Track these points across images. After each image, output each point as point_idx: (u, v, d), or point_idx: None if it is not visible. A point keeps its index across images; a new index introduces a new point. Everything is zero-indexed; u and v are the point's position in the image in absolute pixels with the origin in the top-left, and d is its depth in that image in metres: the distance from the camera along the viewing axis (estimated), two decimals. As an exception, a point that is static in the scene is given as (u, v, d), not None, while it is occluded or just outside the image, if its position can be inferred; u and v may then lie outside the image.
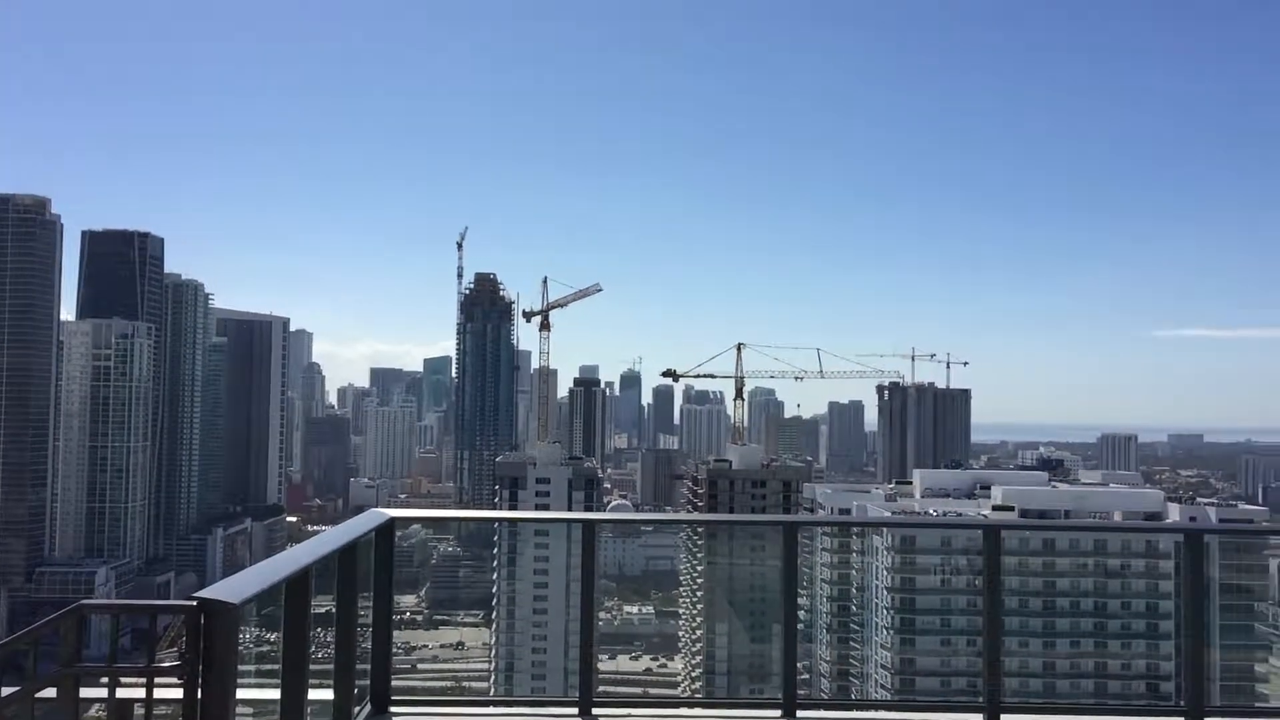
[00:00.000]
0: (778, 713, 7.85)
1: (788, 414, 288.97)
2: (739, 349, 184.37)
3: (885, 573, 71.41)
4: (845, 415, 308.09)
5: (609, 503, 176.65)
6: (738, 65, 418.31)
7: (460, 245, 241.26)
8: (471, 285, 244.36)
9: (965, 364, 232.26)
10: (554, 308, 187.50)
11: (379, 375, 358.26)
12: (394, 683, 8.21)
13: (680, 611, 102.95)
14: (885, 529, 68.69)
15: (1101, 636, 71.41)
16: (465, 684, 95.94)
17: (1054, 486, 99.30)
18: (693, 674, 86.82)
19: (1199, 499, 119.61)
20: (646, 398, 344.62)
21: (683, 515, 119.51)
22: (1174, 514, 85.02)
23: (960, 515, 77.56)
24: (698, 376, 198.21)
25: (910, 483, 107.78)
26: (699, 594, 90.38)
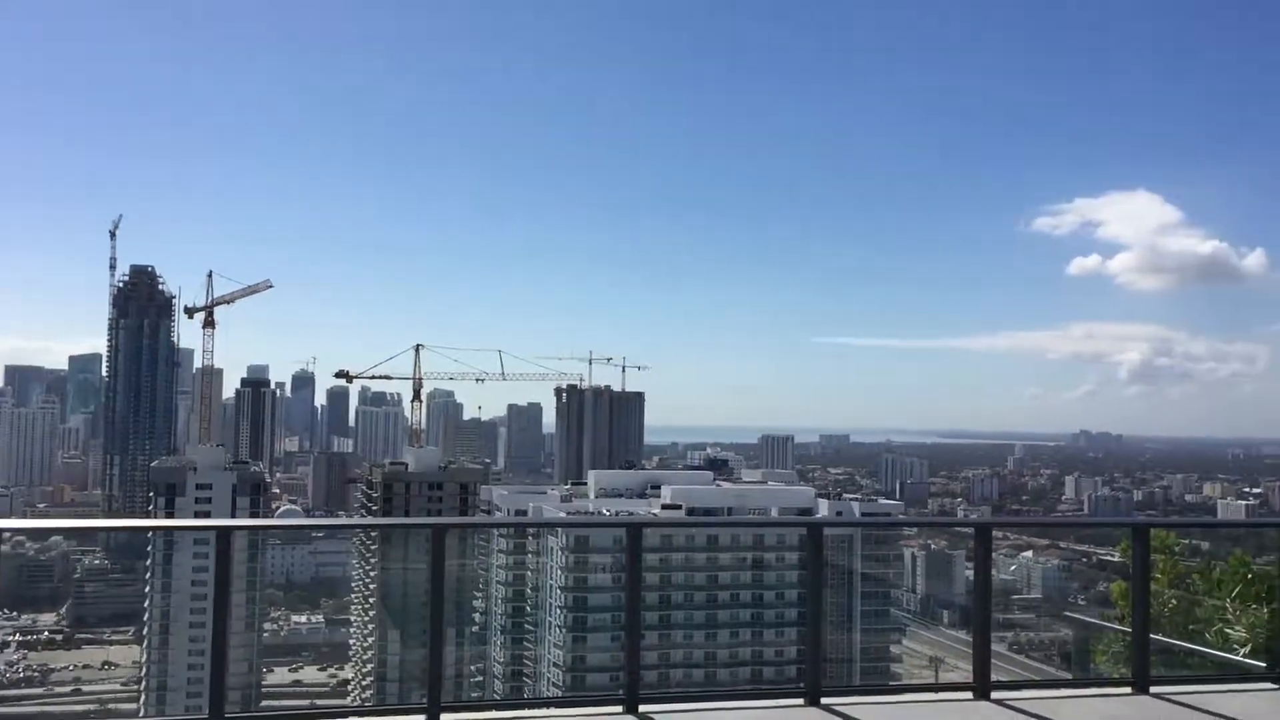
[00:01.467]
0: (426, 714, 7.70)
1: (467, 416, 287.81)
2: (417, 350, 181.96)
3: (560, 572, 72.63)
4: (524, 417, 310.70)
5: (278, 508, 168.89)
6: (421, 63, 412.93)
7: (114, 235, 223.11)
8: (126, 278, 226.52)
9: (640, 368, 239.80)
10: (220, 304, 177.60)
11: (14, 373, 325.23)
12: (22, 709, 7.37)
13: (352, 619, 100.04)
14: (561, 530, 69.95)
15: (757, 626, 75.96)
16: (111, 706, 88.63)
17: (718, 485, 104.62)
18: (364, 682, 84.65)
19: (845, 495, 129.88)
20: (320, 399, 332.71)
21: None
22: (823, 509, 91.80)
23: (632, 514, 79.96)
24: (373, 378, 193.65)
25: (585, 483, 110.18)
26: (371, 600, 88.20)
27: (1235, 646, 9.44)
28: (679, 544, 72.97)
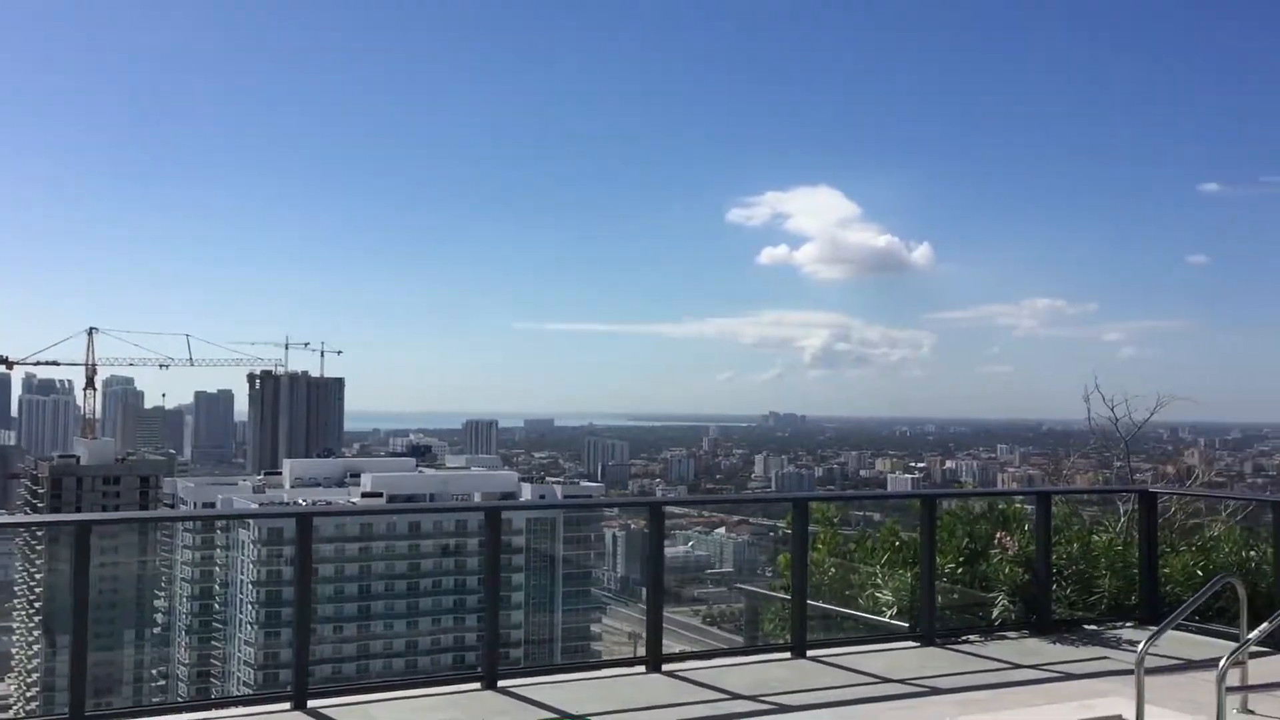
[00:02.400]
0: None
1: (149, 404, 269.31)
2: (90, 334, 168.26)
3: (251, 566, 69.42)
4: (214, 405, 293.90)
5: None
6: (131, 32, 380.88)
7: None
8: None
9: (339, 353, 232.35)
10: None
11: None
12: None
13: (15, 627, 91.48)
14: (252, 521, 66.76)
15: (457, 612, 75.59)
16: None
17: (420, 471, 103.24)
18: (28, 694, 77.58)
19: (549, 478, 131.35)
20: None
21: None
22: (526, 492, 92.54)
23: (330, 504, 77.48)
24: (39, 364, 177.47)
25: (280, 473, 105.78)
26: (37, 605, 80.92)
27: (884, 609, 10.21)
28: (379, 532, 71.47)
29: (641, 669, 8.67)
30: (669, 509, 10.42)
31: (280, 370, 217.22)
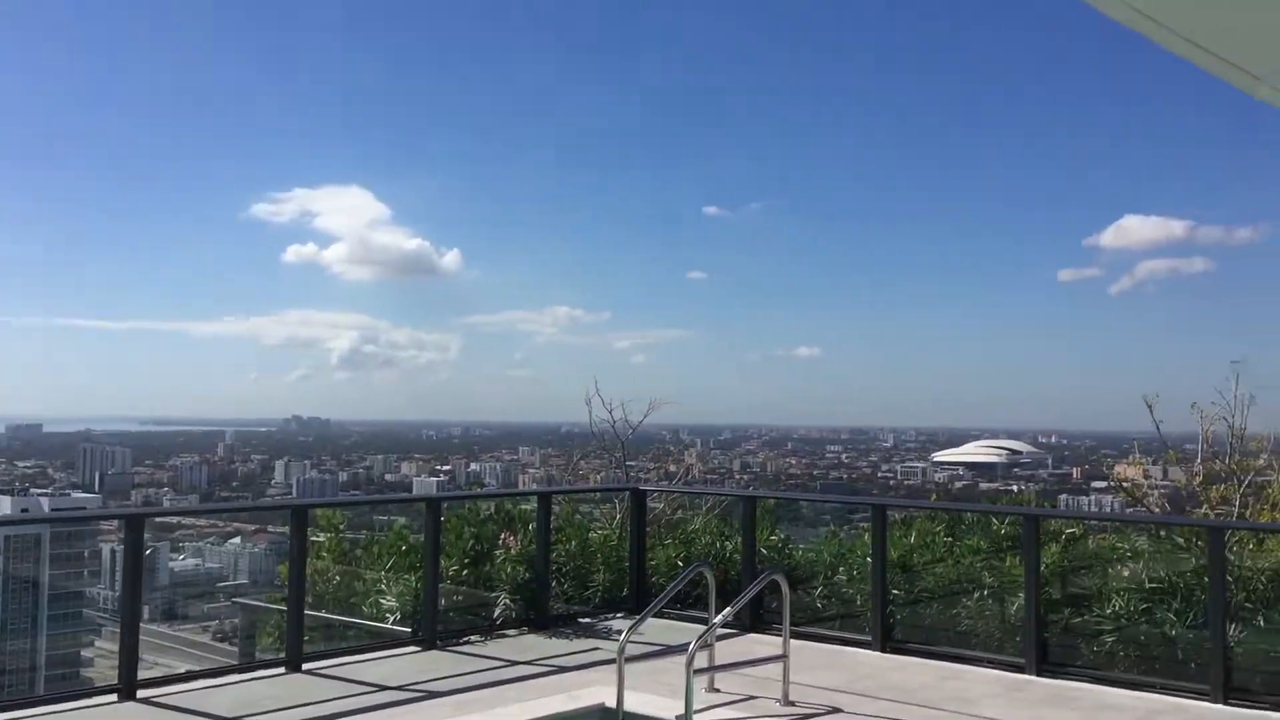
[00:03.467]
0: None
1: None
2: None
3: None
4: None
5: None
6: None
7: None
8: None
9: None
10: None
11: None
12: None
13: None
14: None
15: None
16: None
17: None
18: None
19: (34, 490, 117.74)
20: None
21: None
22: (6, 506, 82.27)
23: None
24: None
25: None
26: None
27: (387, 615, 10.03)
28: None
29: (114, 698, 7.85)
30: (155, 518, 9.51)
31: None
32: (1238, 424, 11.31)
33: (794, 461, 49.77)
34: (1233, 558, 8.88)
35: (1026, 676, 8.69)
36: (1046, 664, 8.77)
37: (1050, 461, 47.31)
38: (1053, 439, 50.08)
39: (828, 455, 51.46)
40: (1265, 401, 11.34)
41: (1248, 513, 10.93)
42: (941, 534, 10.46)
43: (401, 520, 12.46)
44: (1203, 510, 11.23)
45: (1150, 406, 11.77)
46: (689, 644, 6.92)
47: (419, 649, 9.57)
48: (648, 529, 11.56)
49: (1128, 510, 13.20)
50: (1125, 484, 12.93)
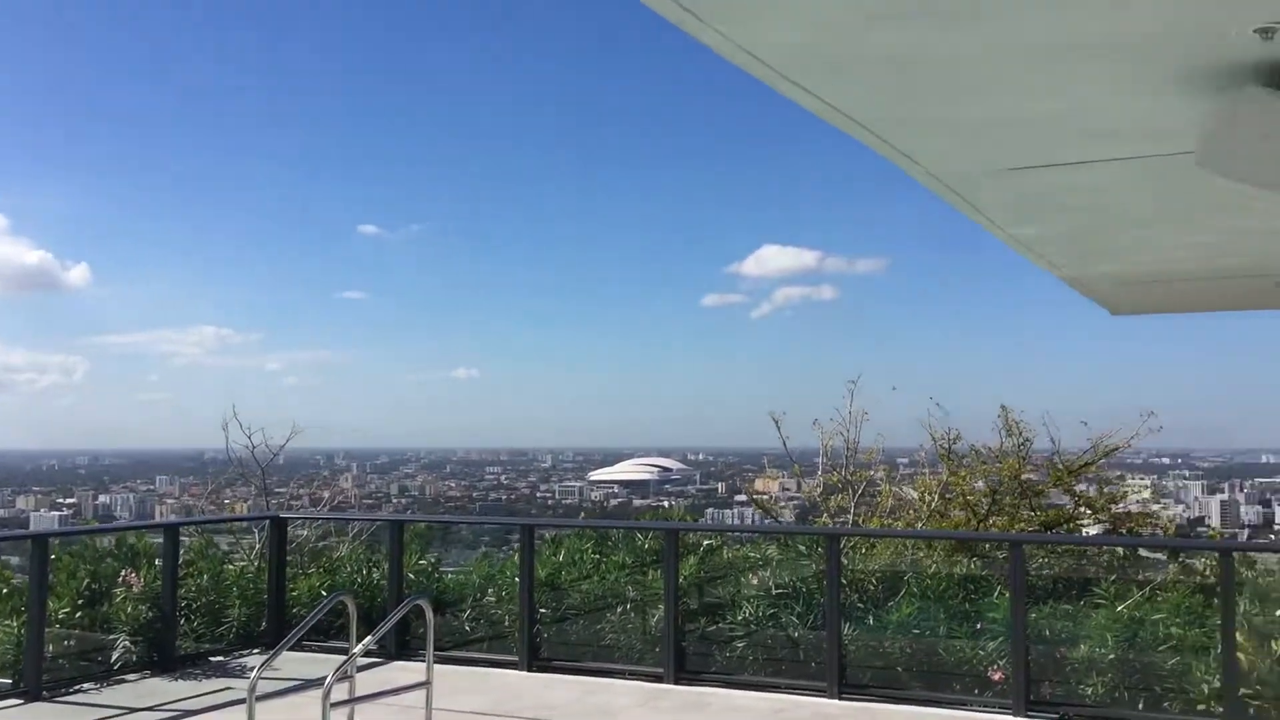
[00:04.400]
0: None
1: None
2: None
3: None
4: None
5: None
6: None
7: None
8: None
9: None
10: None
11: None
12: None
13: None
14: None
15: None
16: None
17: None
18: None
19: None
20: None
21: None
22: None
23: None
24: None
25: None
26: None
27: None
28: None
29: None
30: None
31: None
32: (852, 438, 12.30)
33: (453, 484, 49.48)
34: (847, 562, 9.65)
35: (665, 685, 8.99)
36: (684, 672, 9.11)
37: (699, 477, 49.82)
38: (700, 456, 52.78)
39: (487, 477, 51.58)
40: (877, 417, 12.42)
41: (861, 519, 11.91)
42: (590, 551, 10.66)
43: (15, 560, 11.23)
44: (823, 519, 12.13)
45: (777, 423, 12.57)
46: (326, 677, 6.61)
47: (21, 701, 8.58)
48: (290, 558, 11.03)
49: (764, 522, 14.06)
50: (757, 497, 13.76)
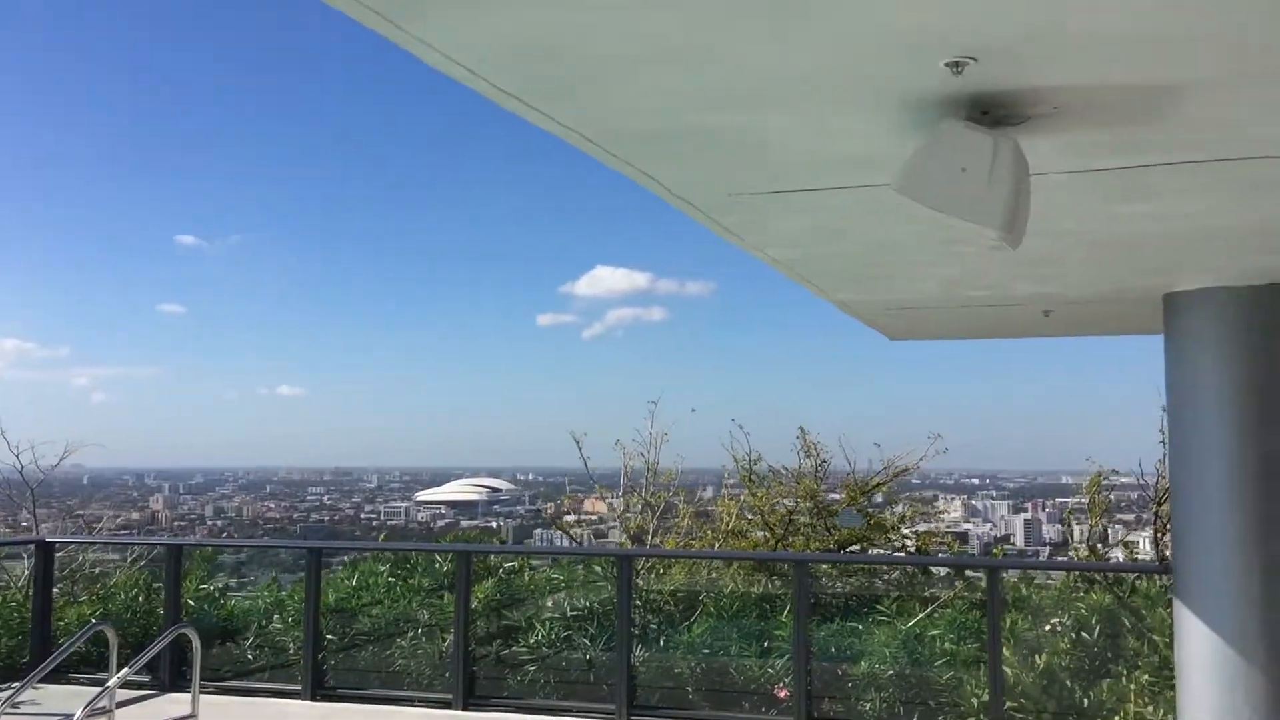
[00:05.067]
0: None
1: None
2: None
3: None
4: None
5: None
6: None
7: None
8: None
9: None
10: None
11: None
12: None
13: None
14: None
15: None
16: None
17: None
18: None
19: None
20: None
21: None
22: None
23: None
24: None
25: None
26: None
27: None
28: None
29: None
30: None
31: None
32: (653, 459, 12.35)
33: (273, 505, 47.80)
34: (642, 583, 9.65)
35: (453, 712, 8.79)
36: (474, 698, 8.92)
37: (527, 498, 49.42)
38: (530, 476, 52.39)
39: (309, 497, 50.02)
40: (679, 438, 12.51)
41: (661, 540, 11.95)
42: (385, 574, 10.36)
43: None
44: (623, 540, 12.11)
45: (578, 442, 12.52)
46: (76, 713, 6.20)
47: None
48: (61, 585, 10.36)
49: (565, 544, 13.98)
50: (573, 519, 13.66)
